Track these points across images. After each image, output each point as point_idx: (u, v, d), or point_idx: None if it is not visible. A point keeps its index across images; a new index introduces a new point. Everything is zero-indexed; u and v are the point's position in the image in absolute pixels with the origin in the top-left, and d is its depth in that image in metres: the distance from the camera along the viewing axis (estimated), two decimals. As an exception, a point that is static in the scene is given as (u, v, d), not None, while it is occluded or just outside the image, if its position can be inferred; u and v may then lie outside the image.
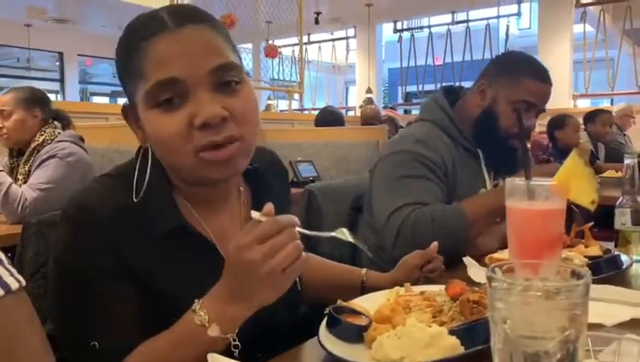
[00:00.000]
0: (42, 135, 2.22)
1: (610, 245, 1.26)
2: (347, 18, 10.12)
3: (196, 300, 0.75)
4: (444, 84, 1.86)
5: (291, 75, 8.99)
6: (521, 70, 1.50)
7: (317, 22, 9.24)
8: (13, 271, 0.56)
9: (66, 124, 2.38)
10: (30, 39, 10.17)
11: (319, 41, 10.94)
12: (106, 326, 0.77)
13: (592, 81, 7.77)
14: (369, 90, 9.35)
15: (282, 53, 8.42)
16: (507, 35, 9.13)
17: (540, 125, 4.35)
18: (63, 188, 2.05)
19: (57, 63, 11.60)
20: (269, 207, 0.74)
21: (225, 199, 0.91)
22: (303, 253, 0.73)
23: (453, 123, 1.56)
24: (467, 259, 1.19)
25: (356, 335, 0.78)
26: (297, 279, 0.94)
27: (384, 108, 8.12)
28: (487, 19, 9.34)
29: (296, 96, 7.33)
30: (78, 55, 11.71)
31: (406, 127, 5.09)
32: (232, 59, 0.80)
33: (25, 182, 2.13)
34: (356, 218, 1.70)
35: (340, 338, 0.78)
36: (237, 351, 0.74)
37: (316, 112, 5.74)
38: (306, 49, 8.37)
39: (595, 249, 1.19)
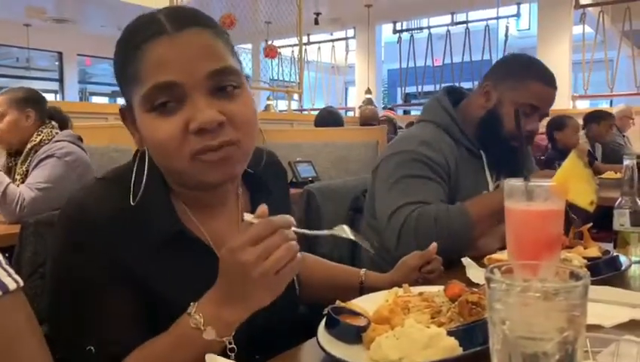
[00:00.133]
0: (39, 135, 2.21)
1: (609, 246, 1.26)
2: (347, 19, 10.12)
3: (192, 303, 0.74)
4: (445, 85, 1.85)
5: (291, 75, 9.01)
6: (529, 73, 1.49)
7: (316, 22, 9.25)
8: (11, 271, 0.56)
9: (63, 123, 2.37)
10: (29, 39, 10.17)
11: (319, 42, 10.95)
12: (103, 326, 0.76)
13: (591, 82, 7.78)
14: (368, 91, 9.35)
15: (282, 54, 8.40)
16: (506, 36, 9.14)
17: (540, 126, 4.34)
18: (61, 187, 2.04)
19: (57, 63, 11.60)
20: (262, 208, 0.73)
21: (223, 203, 0.90)
22: (299, 254, 0.73)
23: (456, 124, 1.55)
24: (466, 260, 1.19)
25: (355, 335, 0.78)
26: (295, 279, 0.94)
27: (383, 108, 8.13)
28: (487, 20, 9.36)
29: (296, 96, 7.32)
30: (78, 55, 11.71)
31: (406, 127, 5.11)
32: (231, 64, 0.80)
33: (23, 182, 2.12)
34: (355, 218, 1.70)
35: (339, 339, 0.78)
36: (233, 354, 0.74)
37: (315, 113, 5.74)
38: (305, 49, 8.37)
39: (593, 250, 1.19)
